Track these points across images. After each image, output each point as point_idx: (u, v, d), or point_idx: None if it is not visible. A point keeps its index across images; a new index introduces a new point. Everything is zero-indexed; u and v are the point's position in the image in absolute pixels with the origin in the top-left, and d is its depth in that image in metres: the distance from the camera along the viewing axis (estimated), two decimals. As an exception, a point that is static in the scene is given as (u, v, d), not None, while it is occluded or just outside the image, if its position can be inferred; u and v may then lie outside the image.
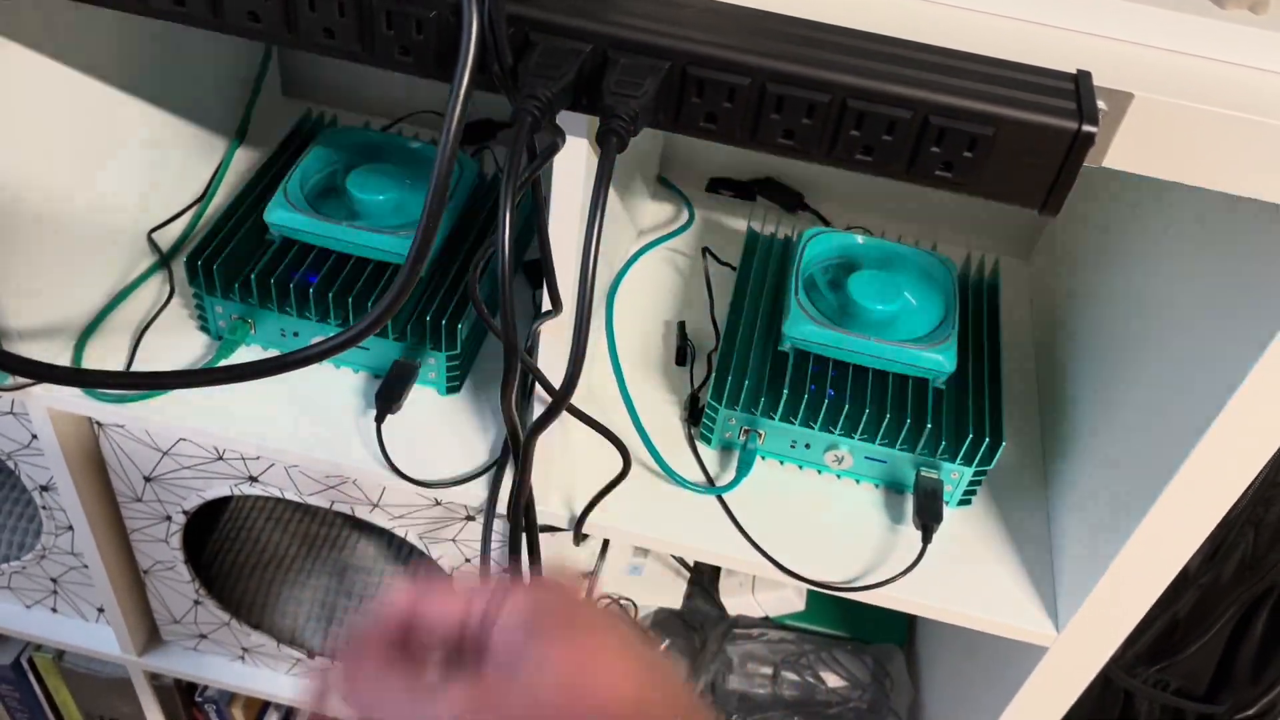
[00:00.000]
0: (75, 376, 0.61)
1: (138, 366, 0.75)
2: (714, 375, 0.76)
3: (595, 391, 0.79)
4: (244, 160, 0.92)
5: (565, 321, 0.58)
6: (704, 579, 1.07)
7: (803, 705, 0.98)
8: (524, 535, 0.63)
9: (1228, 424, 0.54)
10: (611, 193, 0.70)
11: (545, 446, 0.68)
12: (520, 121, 0.41)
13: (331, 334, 0.45)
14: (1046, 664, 0.70)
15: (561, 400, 0.48)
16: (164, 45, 0.79)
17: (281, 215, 0.75)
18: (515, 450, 0.55)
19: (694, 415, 0.78)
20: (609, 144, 0.41)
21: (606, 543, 1.06)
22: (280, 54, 0.98)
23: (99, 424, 0.77)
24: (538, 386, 0.63)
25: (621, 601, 1.04)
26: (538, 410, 0.65)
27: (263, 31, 0.46)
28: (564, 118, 0.49)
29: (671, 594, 1.06)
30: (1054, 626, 0.69)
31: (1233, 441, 0.55)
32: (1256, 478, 0.69)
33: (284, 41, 0.46)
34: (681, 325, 0.85)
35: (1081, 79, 0.43)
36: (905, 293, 0.77)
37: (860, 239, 0.81)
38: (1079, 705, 0.74)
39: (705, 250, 0.92)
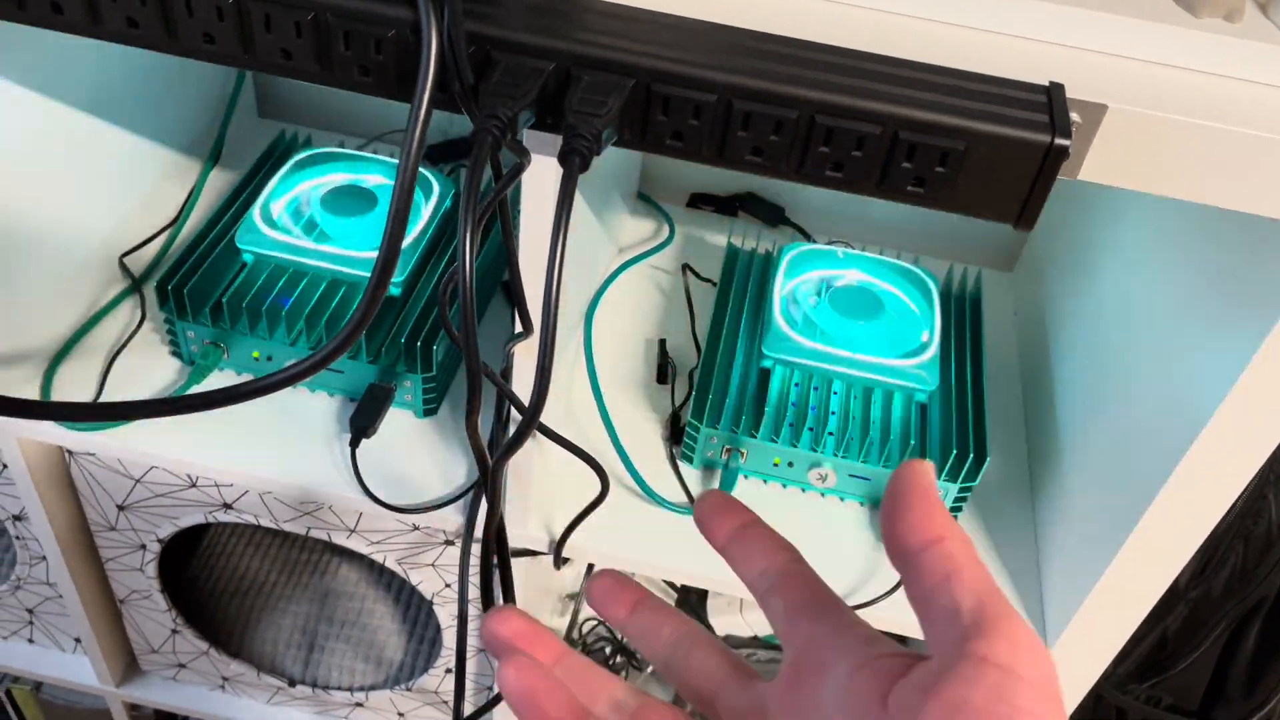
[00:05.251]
0: (30, 409, 0.60)
1: (109, 392, 0.74)
2: (694, 394, 0.75)
3: (575, 412, 0.78)
4: (219, 182, 0.91)
5: (537, 343, 0.57)
6: (692, 598, 1.05)
7: (793, 726, 0.97)
8: (495, 562, 0.62)
9: (1215, 435, 0.53)
10: (588, 210, 0.69)
11: (523, 469, 0.66)
12: (480, 142, 0.40)
13: (305, 357, 0.44)
14: (1036, 683, 0.69)
15: (529, 423, 0.47)
16: (136, 67, 0.78)
17: (252, 238, 0.74)
18: (484, 476, 0.54)
19: (675, 434, 0.77)
20: (571, 164, 0.40)
21: (591, 564, 1.05)
22: (255, 74, 0.97)
23: (70, 452, 0.76)
24: (512, 409, 0.61)
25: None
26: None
27: (218, 54, 0.45)
28: (531, 136, 0.48)
29: (659, 614, 1.04)
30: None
31: (1220, 453, 0.54)
32: (1244, 490, 0.68)
33: (240, 63, 0.45)
34: (662, 343, 0.84)
35: (1054, 91, 0.42)
36: (886, 307, 0.76)
37: (840, 253, 0.80)
38: (1071, 723, 0.73)
39: (685, 266, 0.91)
